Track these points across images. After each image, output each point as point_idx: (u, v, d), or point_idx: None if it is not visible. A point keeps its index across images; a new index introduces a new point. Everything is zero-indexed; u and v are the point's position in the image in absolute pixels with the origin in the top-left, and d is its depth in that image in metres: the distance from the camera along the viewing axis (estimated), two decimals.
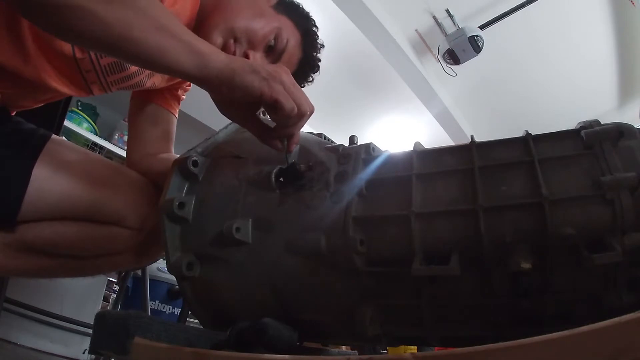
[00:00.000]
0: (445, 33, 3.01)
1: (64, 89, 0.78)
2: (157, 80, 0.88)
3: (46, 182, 0.70)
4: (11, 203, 0.68)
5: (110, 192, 0.75)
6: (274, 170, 0.61)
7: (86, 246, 0.76)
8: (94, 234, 0.76)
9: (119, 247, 0.79)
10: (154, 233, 0.79)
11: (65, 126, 2.38)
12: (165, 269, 0.81)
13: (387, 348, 1.01)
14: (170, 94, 0.96)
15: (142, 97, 0.94)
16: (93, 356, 1.62)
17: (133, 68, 0.81)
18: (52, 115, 1.14)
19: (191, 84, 1.02)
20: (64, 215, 0.73)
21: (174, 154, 0.93)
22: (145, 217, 0.77)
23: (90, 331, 1.29)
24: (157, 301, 1.95)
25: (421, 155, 0.58)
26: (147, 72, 0.84)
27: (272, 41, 0.82)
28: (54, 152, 0.72)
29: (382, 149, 0.63)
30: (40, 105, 0.86)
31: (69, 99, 1.20)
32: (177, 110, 0.98)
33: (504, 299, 0.50)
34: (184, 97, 1.01)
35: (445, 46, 2.98)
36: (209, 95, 0.63)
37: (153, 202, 0.77)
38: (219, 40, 0.78)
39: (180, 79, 0.95)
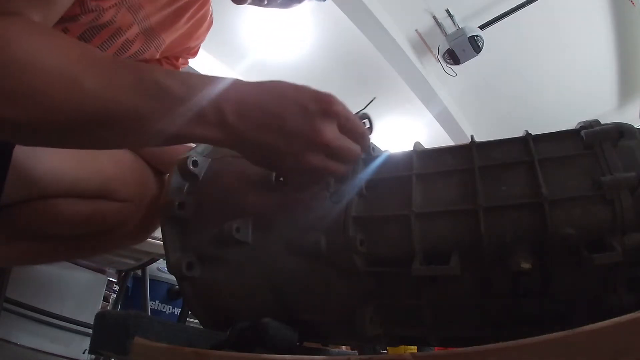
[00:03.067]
0: (445, 33, 3.02)
1: None
2: (149, 54, 0.83)
3: (28, 160, 0.67)
4: None
5: (96, 164, 0.73)
6: None
7: (76, 223, 0.75)
8: (83, 209, 0.74)
9: (111, 222, 0.78)
10: (148, 208, 0.78)
11: None
12: (165, 269, 0.81)
13: (387, 348, 1.00)
14: (168, 64, 0.91)
15: None
16: (93, 356, 1.62)
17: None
18: None
19: (197, 51, 0.95)
20: (50, 193, 0.71)
21: None
22: (134, 189, 0.76)
23: (90, 331, 1.29)
24: (157, 301, 1.95)
25: (421, 155, 0.58)
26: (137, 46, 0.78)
27: None
28: None
29: (382, 149, 0.63)
30: None
31: None
32: None
33: (504, 299, 0.50)
34: (187, 64, 0.95)
35: (445, 46, 2.99)
36: None
37: (142, 174, 0.76)
38: None
39: (180, 48, 0.90)
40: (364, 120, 0.56)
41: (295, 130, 0.46)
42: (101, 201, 0.75)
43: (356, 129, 0.51)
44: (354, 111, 0.54)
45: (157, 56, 0.86)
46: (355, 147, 0.51)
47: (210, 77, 0.47)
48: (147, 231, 0.86)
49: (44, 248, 0.75)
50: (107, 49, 0.74)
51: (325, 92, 0.48)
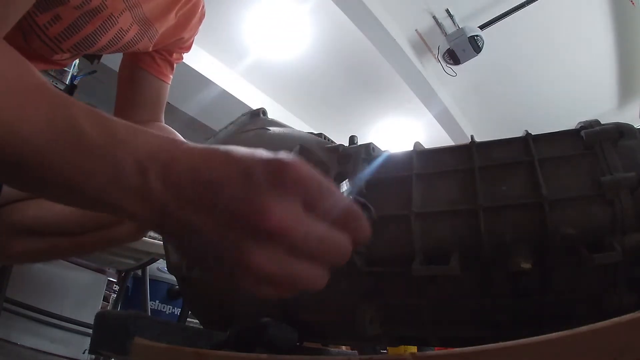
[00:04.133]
0: (445, 33, 3.02)
1: None
2: (142, 45, 0.82)
3: None
4: None
5: None
6: None
7: (75, 219, 0.74)
8: None
9: (108, 219, 0.77)
10: None
11: None
12: (165, 269, 0.81)
13: (387, 348, 1.00)
14: (161, 59, 0.90)
15: (131, 60, 0.90)
16: (93, 356, 1.63)
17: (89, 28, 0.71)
18: None
19: (191, 45, 0.94)
20: None
21: (164, 125, 0.90)
22: None
23: (90, 331, 1.29)
24: (157, 301, 1.96)
25: (421, 155, 0.58)
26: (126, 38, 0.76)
27: None
28: None
29: (382, 149, 0.63)
30: None
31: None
32: (170, 77, 0.93)
33: (504, 299, 0.50)
34: (182, 59, 0.94)
35: (445, 46, 2.99)
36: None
37: None
38: None
39: (171, 40, 0.88)
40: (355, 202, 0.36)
41: (231, 207, 0.30)
42: None
43: (337, 204, 0.33)
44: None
45: (151, 48, 0.85)
46: (338, 237, 0.33)
47: (141, 129, 0.34)
48: (144, 229, 0.86)
49: (42, 245, 0.75)
50: (101, 36, 0.73)
51: (286, 156, 0.31)
